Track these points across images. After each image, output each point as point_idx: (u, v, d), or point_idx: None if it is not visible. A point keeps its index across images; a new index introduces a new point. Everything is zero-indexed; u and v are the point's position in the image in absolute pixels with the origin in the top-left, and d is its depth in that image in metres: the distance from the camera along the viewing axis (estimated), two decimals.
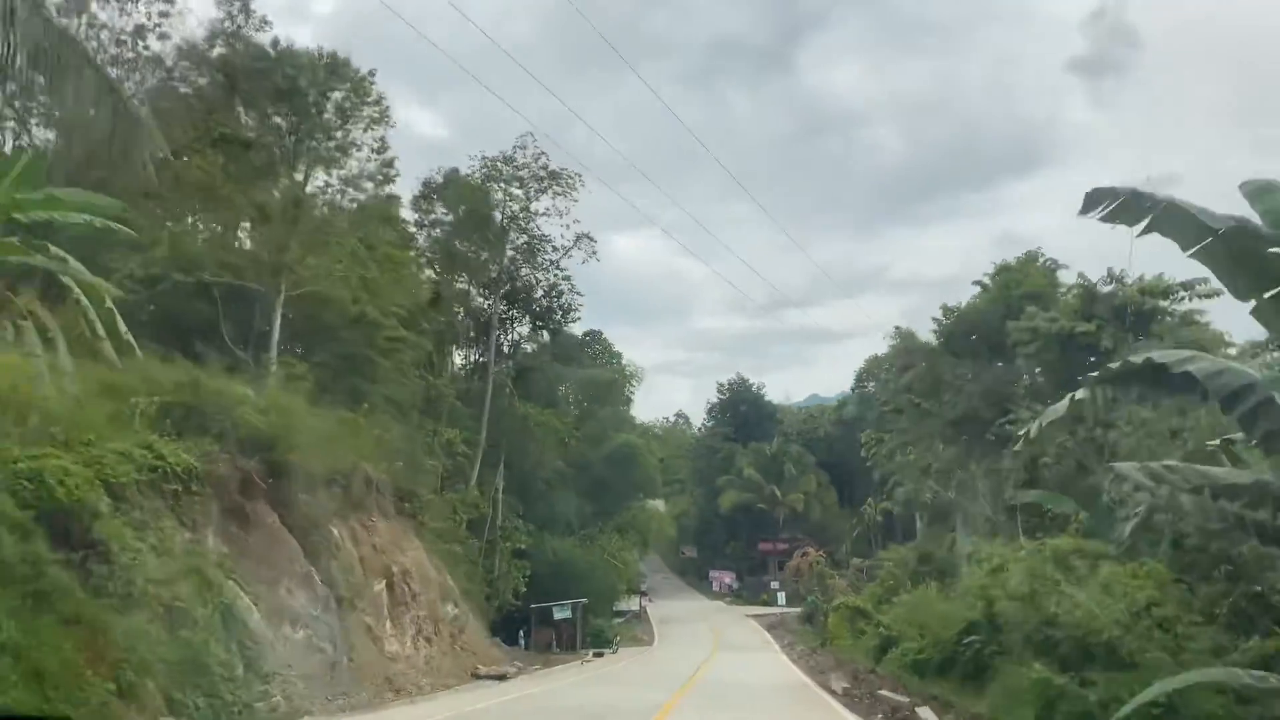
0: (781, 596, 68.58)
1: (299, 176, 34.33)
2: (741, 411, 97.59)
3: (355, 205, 37.17)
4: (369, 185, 36.73)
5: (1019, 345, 36.98)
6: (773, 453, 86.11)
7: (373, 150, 35.85)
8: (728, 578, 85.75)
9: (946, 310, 44.25)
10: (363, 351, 35.42)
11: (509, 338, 52.94)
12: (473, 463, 46.61)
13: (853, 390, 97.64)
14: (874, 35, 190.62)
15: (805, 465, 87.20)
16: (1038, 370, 39.17)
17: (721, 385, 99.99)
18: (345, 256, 34.35)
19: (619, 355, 71.52)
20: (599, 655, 46.35)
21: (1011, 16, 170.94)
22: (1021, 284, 39.91)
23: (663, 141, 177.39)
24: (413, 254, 46.36)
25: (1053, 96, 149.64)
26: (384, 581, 26.20)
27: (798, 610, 68.27)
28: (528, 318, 53.45)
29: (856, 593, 55.61)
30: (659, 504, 68.71)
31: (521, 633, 46.66)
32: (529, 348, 55.38)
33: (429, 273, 49.39)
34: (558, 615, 48.47)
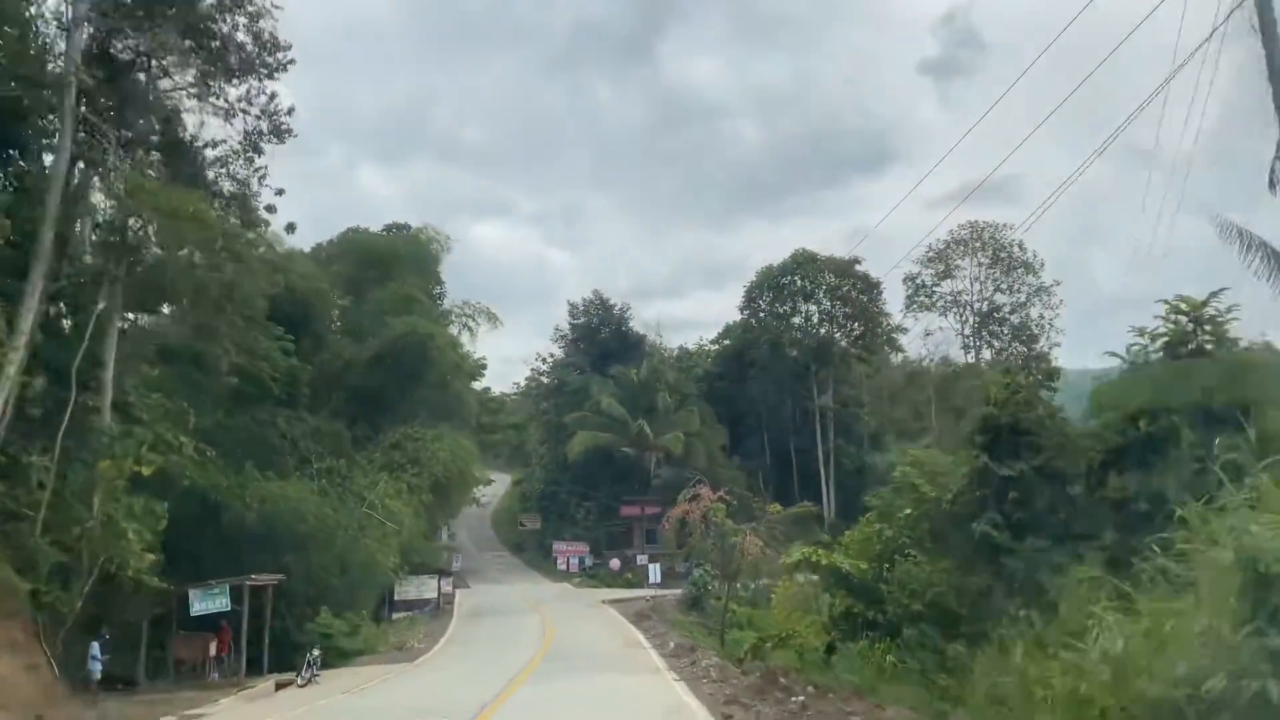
0: (654, 571, 46.22)
1: None
2: (601, 340, 74.49)
3: None
4: None
5: None
6: (641, 379, 63.40)
7: None
8: (577, 552, 62.57)
9: None
10: None
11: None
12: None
13: (742, 314, 76.31)
14: (733, 29, 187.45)
15: (685, 395, 65.02)
16: None
17: (574, 307, 76.57)
18: None
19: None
20: (284, 685, 22.68)
21: (866, 16, 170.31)
22: None
23: (525, 127, 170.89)
24: None
25: (904, 96, 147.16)
26: None
27: (678, 591, 45.93)
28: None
29: (769, 555, 33.74)
30: (469, 444, 44.36)
31: (97, 646, 22.02)
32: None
33: None
34: (200, 607, 24.25)
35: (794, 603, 25.28)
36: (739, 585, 36.90)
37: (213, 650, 25.15)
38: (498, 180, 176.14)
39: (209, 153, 29.10)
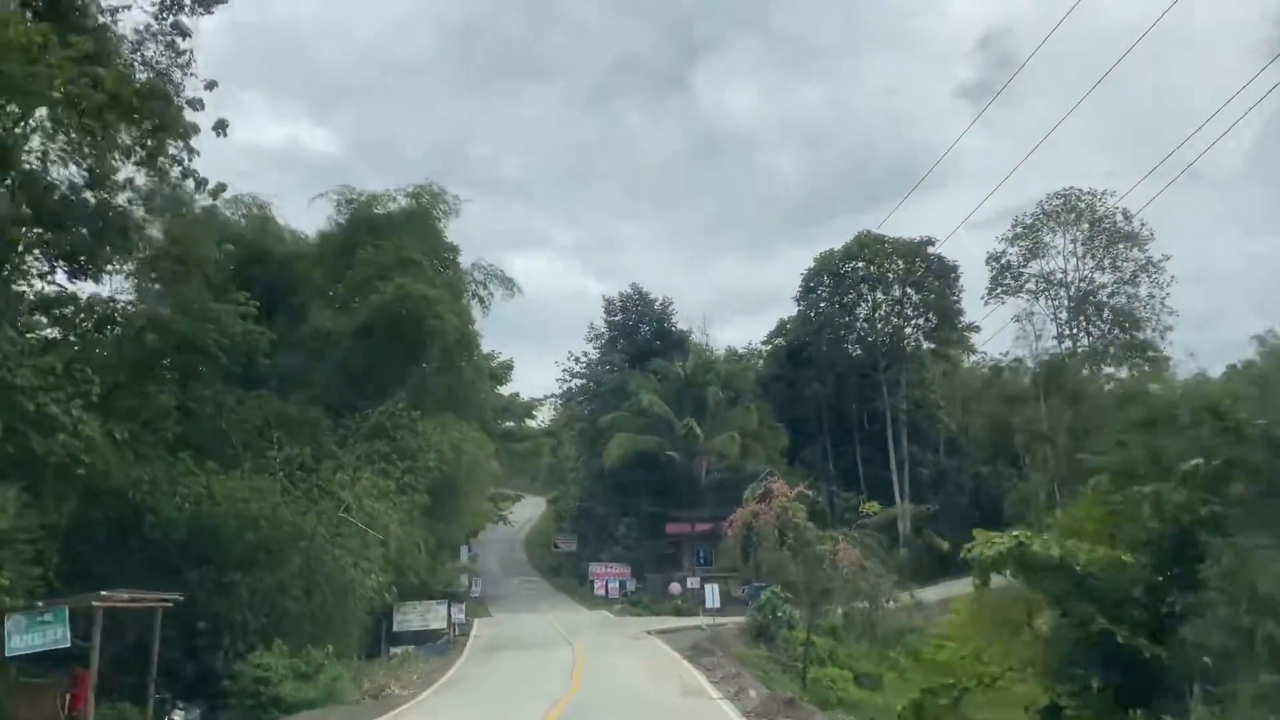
0: (712, 595, 37.58)
1: None
2: (641, 338, 66.53)
3: None
4: None
5: None
6: (688, 373, 55.13)
7: None
8: (617, 574, 54.13)
9: None
10: None
11: None
12: None
13: (798, 305, 67.64)
14: (767, 58, 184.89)
15: (739, 392, 56.59)
16: None
17: (610, 302, 68.61)
18: None
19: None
20: None
21: (900, 43, 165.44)
22: None
23: (563, 160, 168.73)
24: None
25: (941, 121, 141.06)
26: None
27: (740, 620, 37.58)
28: None
29: (868, 569, 25.44)
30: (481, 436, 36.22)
31: None
32: None
33: None
34: (20, 642, 16.33)
35: (983, 625, 16.86)
36: (834, 610, 28.39)
37: (66, 706, 17.23)
38: (535, 212, 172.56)
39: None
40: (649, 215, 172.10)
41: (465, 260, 39.20)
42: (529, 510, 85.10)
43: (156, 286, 25.54)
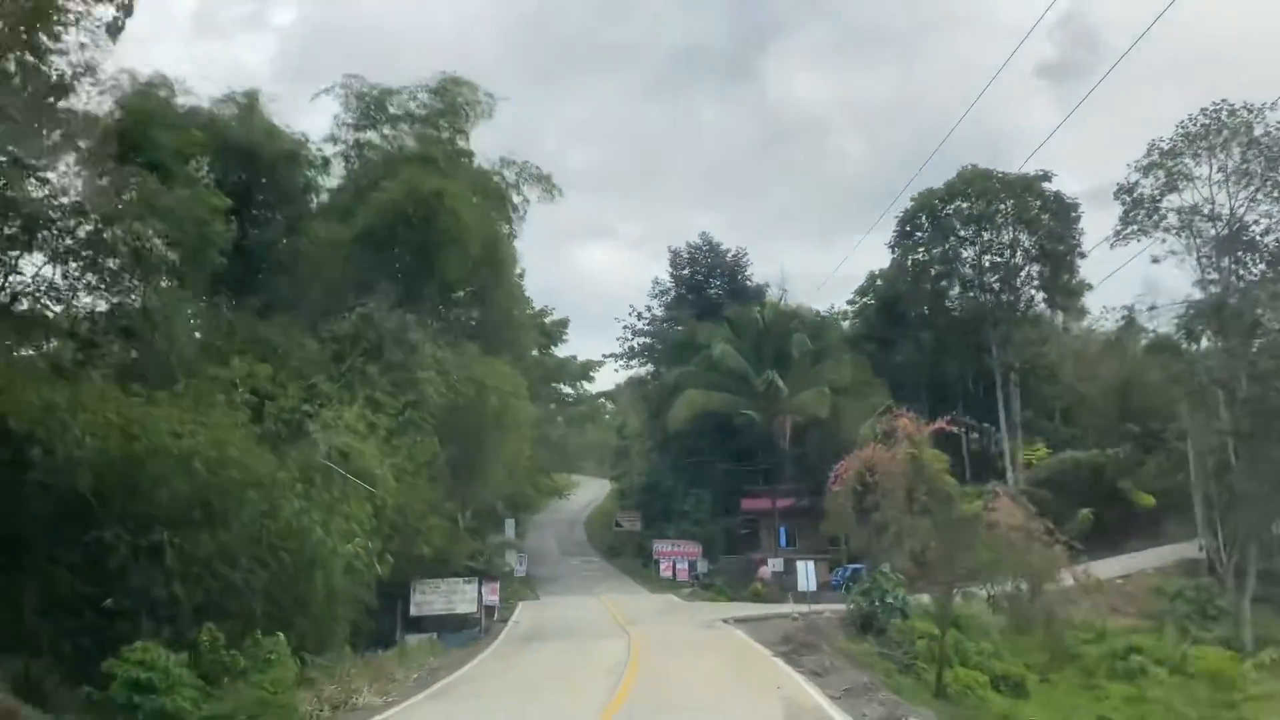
0: (806, 574, 29.86)
1: None
2: (712, 292, 59.07)
3: None
4: None
5: None
6: (767, 322, 47.61)
7: None
8: (686, 554, 47.00)
9: None
10: None
11: None
12: None
13: (892, 254, 59.15)
14: (837, 42, 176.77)
15: (827, 346, 48.85)
16: None
17: (677, 255, 61.13)
18: None
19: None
20: None
21: (975, 23, 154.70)
22: None
23: (628, 150, 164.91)
24: None
25: (1018, 101, 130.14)
26: None
27: (836, 607, 30.31)
28: None
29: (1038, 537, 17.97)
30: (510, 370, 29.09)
31: None
32: None
33: None
34: None
35: None
36: (983, 590, 20.78)
37: None
38: (602, 204, 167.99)
39: None
40: (717, 204, 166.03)
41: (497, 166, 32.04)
42: (592, 492, 79.31)
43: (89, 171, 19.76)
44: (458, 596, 29.27)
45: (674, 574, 46.11)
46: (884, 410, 22.72)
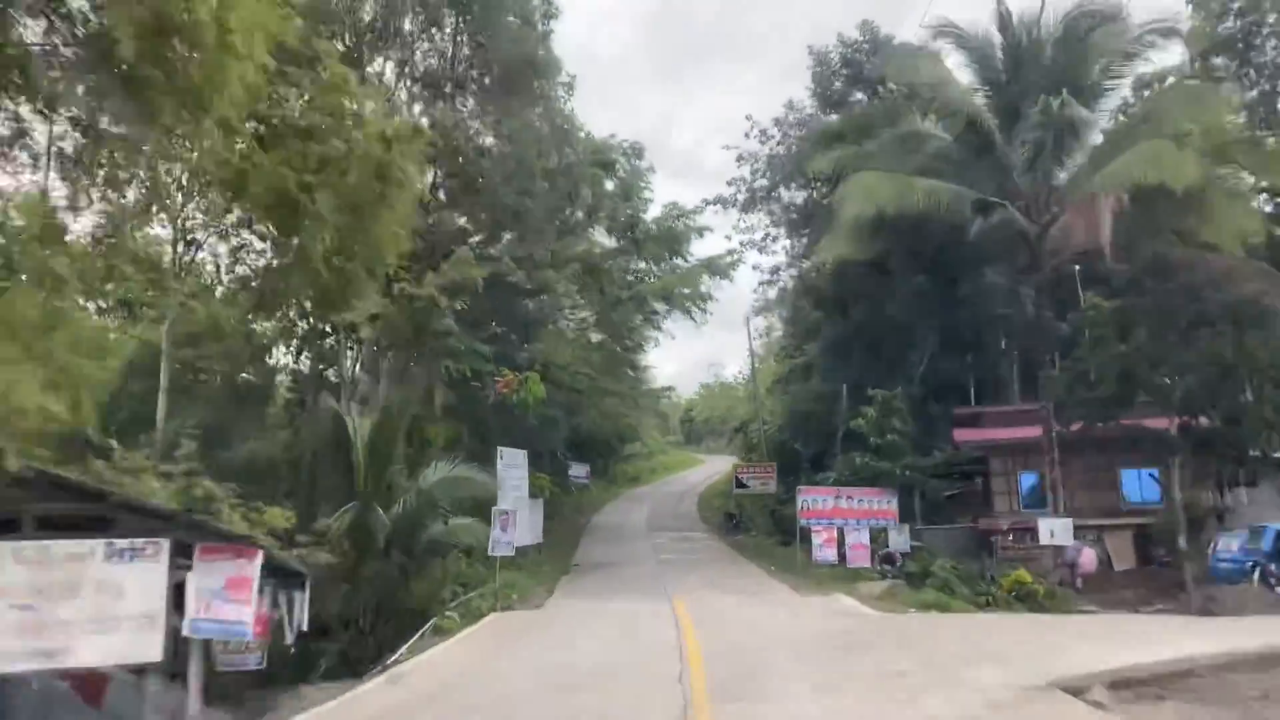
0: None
1: None
2: (865, 107, 36.34)
3: None
4: None
5: None
6: (1018, 49, 24.30)
7: None
8: (867, 512, 24.15)
9: None
10: None
11: None
12: None
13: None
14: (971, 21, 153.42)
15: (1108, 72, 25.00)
16: None
17: (817, 56, 38.29)
18: None
19: None
20: None
21: None
22: None
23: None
24: None
25: None
26: None
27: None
28: None
29: None
30: None
31: None
32: None
33: None
34: None
35: None
36: None
37: None
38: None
39: None
40: None
41: None
42: (716, 466, 63.31)
43: None
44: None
45: (840, 554, 23.34)
46: None
